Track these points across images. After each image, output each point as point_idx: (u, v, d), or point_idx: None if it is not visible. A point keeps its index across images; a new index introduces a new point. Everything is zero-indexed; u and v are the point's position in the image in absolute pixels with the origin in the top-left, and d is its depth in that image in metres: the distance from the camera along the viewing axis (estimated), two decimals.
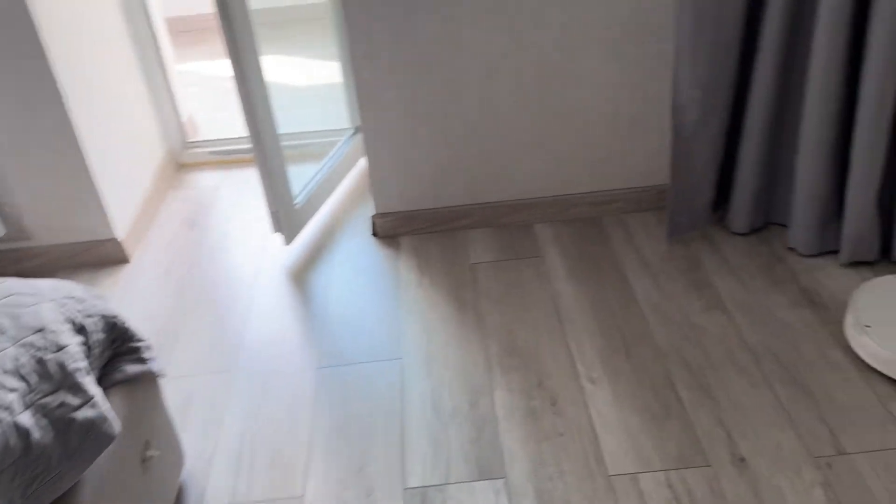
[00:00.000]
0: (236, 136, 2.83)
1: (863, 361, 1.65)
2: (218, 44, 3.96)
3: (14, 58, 1.94)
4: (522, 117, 2.12)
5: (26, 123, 2.03)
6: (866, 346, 1.62)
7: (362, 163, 2.69)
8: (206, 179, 2.69)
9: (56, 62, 1.97)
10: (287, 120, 2.31)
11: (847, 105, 1.80)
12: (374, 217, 2.28)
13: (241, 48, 1.88)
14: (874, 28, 1.63)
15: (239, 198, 2.57)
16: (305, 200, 2.30)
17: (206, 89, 3.44)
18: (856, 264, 1.94)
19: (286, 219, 2.19)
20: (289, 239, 2.22)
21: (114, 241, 2.24)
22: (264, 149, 2.03)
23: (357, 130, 2.65)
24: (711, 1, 1.76)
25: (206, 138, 2.85)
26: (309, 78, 3.32)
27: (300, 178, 2.35)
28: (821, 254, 1.98)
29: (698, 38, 1.79)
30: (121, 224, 2.27)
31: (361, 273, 2.14)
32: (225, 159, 2.77)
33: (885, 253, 1.93)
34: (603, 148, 2.18)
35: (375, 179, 2.20)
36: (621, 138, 2.16)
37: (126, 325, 1.37)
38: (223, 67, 3.67)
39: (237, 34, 1.86)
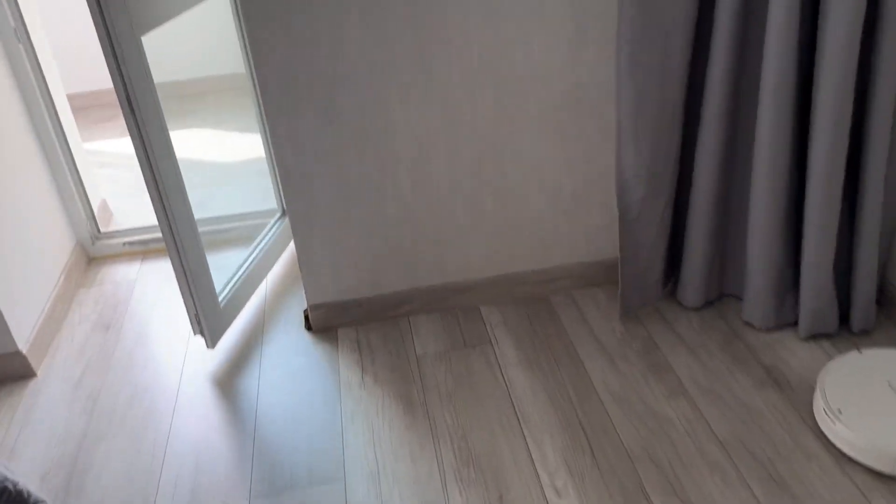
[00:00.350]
0: (154, 223, 2.62)
1: (838, 449, 1.56)
2: None
3: None
4: (460, 196, 2.00)
5: None
6: (841, 434, 1.53)
7: (292, 247, 2.52)
8: (122, 273, 2.47)
9: None
10: (206, 202, 2.14)
11: (797, 178, 1.74)
12: (306, 310, 2.10)
13: (145, 125, 1.69)
14: (821, 99, 1.58)
15: (159, 292, 2.36)
16: (230, 296, 2.11)
17: (120, 171, 3.21)
18: (816, 337, 1.87)
19: (209, 320, 1.99)
20: (212, 342, 2.02)
21: (16, 354, 2.00)
22: (179, 240, 1.85)
23: (284, 213, 2.49)
24: (651, 77, 1.69)
25: (120, 227, 2.64)
26: (229, 154, 3.14)
27: (223, 269, 2.17)
28: (778, 327, 1.91)
29: (640, 115, 1.72)
30: (24, 334, 2.03)
31: (296, 375, 1.96)
32: (142, 250, 2.56)
33: (843, 322, 1.87)
34: (546, 224, 2.08)
35: (306, 268, 2.04)
36: (565, 213, 2.06)
37: (18, 487, 1.16)
38: None
39: (141, 108, 1.68)
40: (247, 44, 1.85)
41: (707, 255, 1.92)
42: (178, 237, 1.84)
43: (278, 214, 2.48)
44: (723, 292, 2.03)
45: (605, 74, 1.87)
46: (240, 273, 2.19)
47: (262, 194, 2.65)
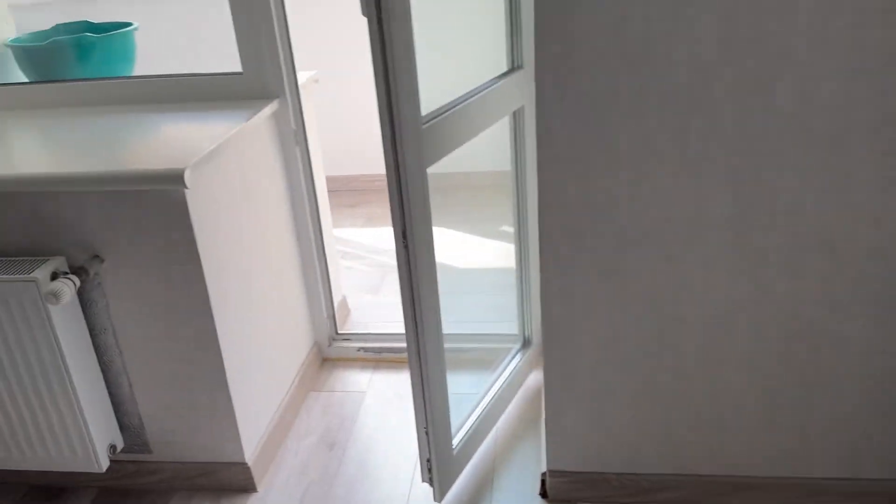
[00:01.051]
0: (393, 330, 2.51)
1: None
2: (375, 207, 3.77)
3: (168, 263, 1.72)
4: (757, 376, 1.64)
5: (165, 328, 1.79)
6: None
7: (531, 380, 2.28)
8: (353, 381, 2.37)
9: (207, 261, 1.74)
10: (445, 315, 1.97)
11: None
12: (545, 474, 1.83)
13: (412, 218, 1.53)
14: None
15: (386, 411, 2.21)
16: (465, 441, 1.89)
17: (358, 263, 3.20)
18: None
19: (441, 469, 1.78)
20: (440, 495, 1.80)
21: (242, 466, 1.92)
22: (425, 364, 1.64)
23: (527, 343, 2.26)
24: None
25: (356, 329, 2.57)
26: (471, 259, 2.99)
27: (456, 401, 1.97)
28: None
29: None
30: (252, 444, 1.95)
31: None
32: (375, 358, 2.45)
33: None
34: (861, 426, 1.65)
35: (552, 428, 1.77)
36: (885, 416, 1.63)
37: None
38: (379, 236, 3.44)
39: (410, 198, 1.51)
40: (538, 193, 1.65)
41: None
42: (424, 361, 1.64)
43: (519, 344, 2.26)
44: None
45: None
46: (476, 414, 1.97)
47: (501, 313, 2.45)
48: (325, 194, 2.51)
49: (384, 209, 3.67)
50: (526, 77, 1.90)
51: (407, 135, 1.45)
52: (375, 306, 2.76)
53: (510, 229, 2.16)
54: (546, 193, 1.53)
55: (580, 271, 1.59)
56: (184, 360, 1.82)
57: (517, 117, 1.94)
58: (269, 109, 2.03)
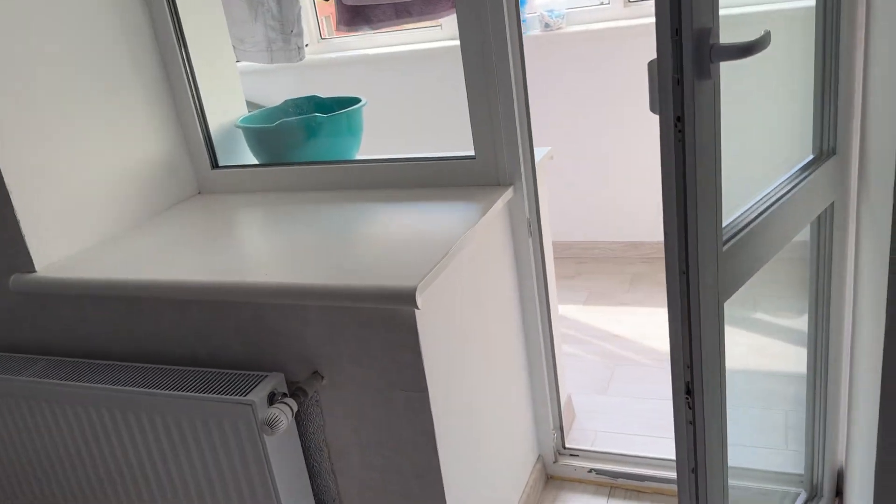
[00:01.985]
0: (629, 450, 2.12)
1: None
2: (597, 280, 3.40)
3: (391, 387, 1.49)
4: None
5: (384, 456, 1.55)
6: None
7: None
8: None
9: (434, 387, 1.48)
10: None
11: None
12: None
13: (701, 371, 1.17)
14: None
15: None
16: None
17: (584, 349, 2.84)
18: None
19: None
20: None
21: None
22: None
23: (816, 493, 1.78)
24: None
25: (581, 442, 2.21)
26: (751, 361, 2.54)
27: None
28: None
29: None
30: None
31: None
32: (610, 482, 2.08)
33: None
34: None
35: None
36: None
37: None
38: (604, 317, 3.05)
39: (703, 345, 1.16)
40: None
41: None
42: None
43: (804, 494, 1.78)
44: None
45: None
46: None
47: (770, 436, 1.98)
48: (554, 281, 2.20)
49: (608, 282, 3.30)
50: (838, 165, 1.47)
51: (704, 262, 1.10)
52: (605, 410, 2.39)
53: (792, 323, 1.67)
54: None
55: None
56: (402, 496, 1.57)
57: (822, 219, 1.51)
58: (503, 200, 1.76)
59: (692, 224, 1.07)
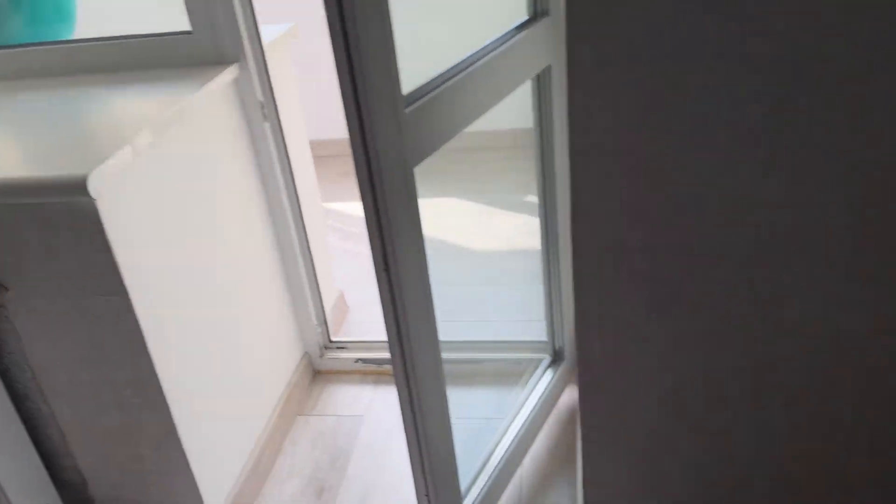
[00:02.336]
0: None
1: None
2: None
3: (86, 293, 1.32)
4: (866, 440, 1.22)
5: (92, 371, 1.41)
6: None
7: (565, 399, 1.87)
8: (348, 401, 1.98)
9: (135, 288, 1.34)
10: (449, 311, 1.54)
11: None
12: None
13: (394, 242, 1.12)
14: None
15: (388, 441, 1.83)
16: (481, 498, 1.51)
17: (363, 245, 2.74)
18: None
19: None
20: None
21: None
22: (416, 396, 1.25)
23: (558, 356, 1.85)
24: None
25: (352, 335, 2.17)
26: (485, 239, 2.52)
27: (471, 435, 1.58)
28: None
29: None
30: (219, 496, 1.59)
31: None
32: (376, 370, 2.06)
33: None
34: None
35: (591, 481, 1.38)
36: None
37: None
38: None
39: (390, 214, 1.11)
40: (570, 197, 1.21)
41: None
42: (415, 391, 1.24)
43: (548, 359, 1.84)
44: None
45: None
46: (495, 461, 1.58)
47: (524, 309, 2.04)
48: (311, 168, 2.08)
49: None
50: (554, 27, 1.44)
51: (382, 124, 1.01)
52: (378, 301, 2.36)
53: (535, 200, 1.69)
54: (582, 195, 1.09)
55: (629, 298, 1.16)
56: (119, 408, 1.44)
57: (542, 80, 1.49)
58: (222, 78, 1.59)
59: (362, 83, 0.97)
